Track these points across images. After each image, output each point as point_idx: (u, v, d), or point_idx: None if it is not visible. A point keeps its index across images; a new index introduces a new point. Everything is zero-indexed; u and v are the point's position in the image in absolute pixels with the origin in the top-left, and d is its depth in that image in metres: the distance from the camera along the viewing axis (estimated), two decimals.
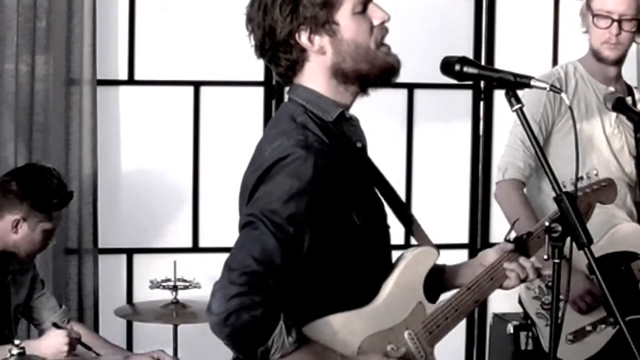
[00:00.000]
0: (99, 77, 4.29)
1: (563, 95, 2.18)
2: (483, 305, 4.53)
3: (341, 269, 2.16)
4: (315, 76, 2.18)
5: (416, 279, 2.27)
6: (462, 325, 4.78)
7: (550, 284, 3.29)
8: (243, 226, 2.06)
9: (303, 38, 2.13)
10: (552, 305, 2.21)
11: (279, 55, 2.16)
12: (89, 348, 3.37)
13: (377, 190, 2.31)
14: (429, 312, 2.27)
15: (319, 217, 2.07)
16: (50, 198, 3.39)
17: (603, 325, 3.28)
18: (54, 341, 3.22)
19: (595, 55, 3.41)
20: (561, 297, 3.27)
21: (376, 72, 2.17)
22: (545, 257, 2.18)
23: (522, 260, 2.38)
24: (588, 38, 3.44)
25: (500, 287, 2.39)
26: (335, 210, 2.11)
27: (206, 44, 4.49)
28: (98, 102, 4.29)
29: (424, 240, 2.34)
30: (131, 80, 4.46)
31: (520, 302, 3.42)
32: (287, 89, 2.26)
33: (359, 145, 2.25)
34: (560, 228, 2.14)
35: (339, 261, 2.15)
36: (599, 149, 3.41)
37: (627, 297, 3.23)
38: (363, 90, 2.21)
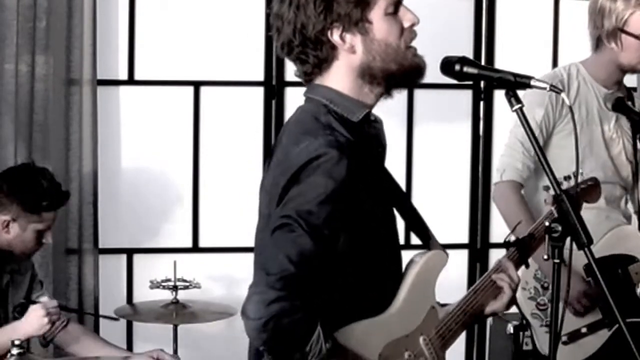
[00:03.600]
0: (99, 77, 4.29)
1: (563, 95, 2.18)
2: None
3: (368, 271, 2.15)
4: (341, 76, 2.17)
5: (429, 283, 2.27)
6: None
7: (545, 284, 3.31)
8: (277, 228, 2.02)
9: (335, 36, 2.13)
10: (552, 306, 2.21)
11: (308, 52, 2.15)
12: (74, 310, 3.39)
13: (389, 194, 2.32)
14: (440, 316, 2.28)
15: (352, 217, 2.06)
16: (40, 199, 3.39)
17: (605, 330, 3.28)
18: (32, 317, 3.24)
19: (626, 69, 3.39)
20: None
21: (404, 72, 2.17)
22: (545, 257, 2.18)
23: (510, 273, 2.38)
24: (608, 51, 3.36)
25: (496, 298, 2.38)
26: (365, 210, 2.10)
27: (206, 44, 4.49)
28: (98, 102, 4.29)
29: (433, 244, 2.34)
30: (131, 80, 4.46)
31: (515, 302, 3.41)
32: (302, 90, 2.24)
33: (379, 148, 2.26)
34: (560, 228, 2.14)
35: (366, 263, 2.14)
36: (597, 154, 3.40)
37: (624, 300, 3.23)
38: (388, 91, 2.20)
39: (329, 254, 2.02)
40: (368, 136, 2.20)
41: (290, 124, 2.23)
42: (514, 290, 2.38)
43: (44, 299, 3.39)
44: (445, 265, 2.31)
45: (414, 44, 2.20)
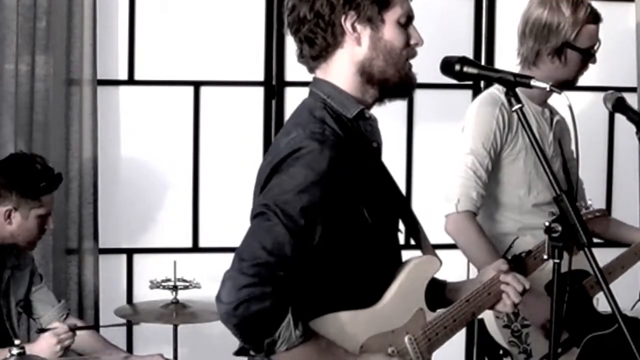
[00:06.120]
0: (99, 77, 4.29)
1: (563, 95, 2.19)
2: None
3: (349, 265, 2.18)
4: (341, 68, 2.22)
5: (419, 285, 2.31)
6: None
7: (516, 310, 3.26)
8: (255, 215, 2.09)
9: (348, 22, 2.18)
10: (552, 307, 2.21)
11: (318, 32, 2.20)
12: (86, 328, 3.50)
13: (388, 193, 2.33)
14: (429, 319, 2.31)
15: (331, 210, 2.09)
16: (37, 182, 3.42)
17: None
18: (44, 344, 3.25)
19: (564, 85, 3.26)
20: (528, 322, 3.25)
21: (399, 80, 2.23)
22: (545, 257, 2.19)
23: (516, 274, 2.42)
24: (547, 67, 3.31)
25: (492, 307, 2.43)
26: (347, 205, 2.13)
27: (206, 44, 4.49)
28: (98, 102, 4.29)
29: (428, 249, 2.38)
30: (131, 80, 4.46)
31: (488, 333, 3.33)
32: (311, 79, 2.28)
33: (374, 145, 2.29)
34: (560, 228, 2.15)
35: (347, 257, 2.17)
36: (542, 176, 3.26)
37: (584, 315, 3.23)
38: (381, 96, 2.26)
39: (305, 244, 2.06)
40: (362, 132, 2.24)
41: (290, 116, 2.29)
42: (516, 304, 2.41)
43: (56, 324, 3.42)
44: (437, 272, 2.36)
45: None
